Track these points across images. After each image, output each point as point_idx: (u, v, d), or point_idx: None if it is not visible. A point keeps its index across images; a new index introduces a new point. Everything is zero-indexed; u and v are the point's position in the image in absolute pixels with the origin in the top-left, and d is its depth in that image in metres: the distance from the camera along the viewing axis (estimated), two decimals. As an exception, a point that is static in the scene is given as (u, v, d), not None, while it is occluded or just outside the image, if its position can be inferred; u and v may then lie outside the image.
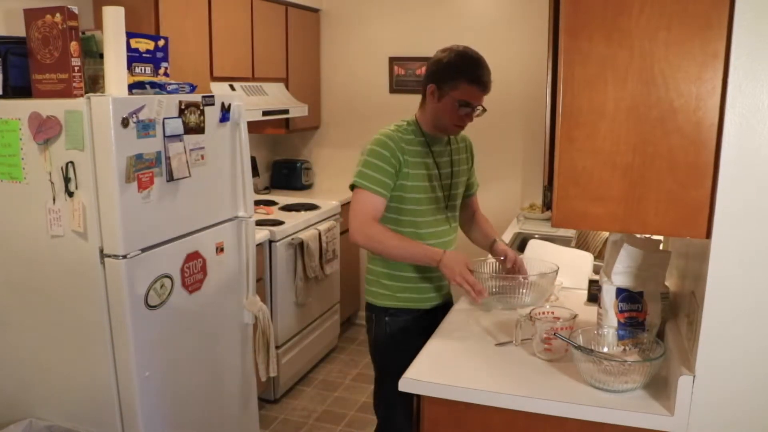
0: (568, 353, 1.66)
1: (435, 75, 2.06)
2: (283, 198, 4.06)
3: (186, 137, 2.24)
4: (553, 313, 1.78)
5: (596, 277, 1.96)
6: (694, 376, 1.37)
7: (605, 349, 1.63)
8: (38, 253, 2.12)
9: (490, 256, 2.24)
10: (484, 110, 2.08)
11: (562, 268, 2.17)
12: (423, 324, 2.16)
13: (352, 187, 2.05)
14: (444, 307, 2.26)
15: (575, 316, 1.73)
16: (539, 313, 1.77)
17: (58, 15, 2.03)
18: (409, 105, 2.40)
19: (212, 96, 2.39)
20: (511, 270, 2.12)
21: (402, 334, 2.15)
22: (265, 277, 3.23)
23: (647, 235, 1.81)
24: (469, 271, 1.91)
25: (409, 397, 1.66)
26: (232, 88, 3.36)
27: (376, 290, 2.18)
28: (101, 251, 2.05)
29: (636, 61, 1.31)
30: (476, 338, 1.84)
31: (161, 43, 2.37)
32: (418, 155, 2.09)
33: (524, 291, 2.02)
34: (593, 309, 1.84)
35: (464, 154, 2.29)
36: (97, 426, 2.18)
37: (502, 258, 2.15)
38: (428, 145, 2.12)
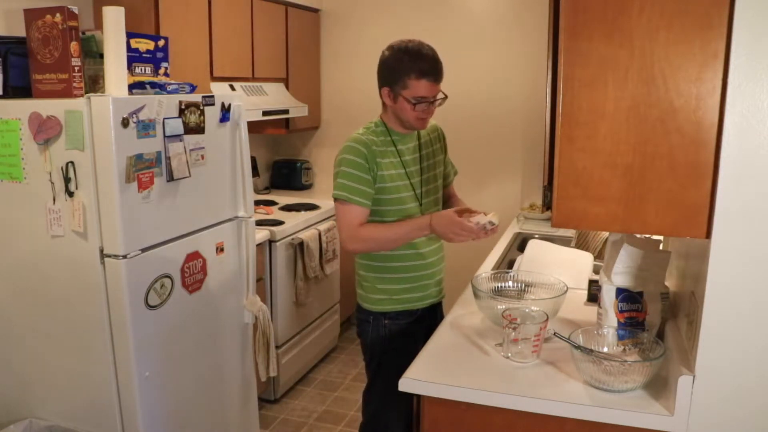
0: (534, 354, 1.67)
1: (385, 77, 2.02)
2: (283, 198, 4.06)
3: (186, 137, 2.23)
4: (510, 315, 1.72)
5: (596, 277, 1.95)
6: (694, 376, 1.37)
7: (605, 349, 1.63)
8: (38, 253, 2.12)
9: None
10: (446, 97, 2.03)
11: (562, 268, 2.17)
12: (422, 325, 2.15)
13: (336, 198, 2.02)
14: (440, 306, 2.26)
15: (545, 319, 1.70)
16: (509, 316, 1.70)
17: (58, 15, 2.03)
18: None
19: (212, 96, 2.38)
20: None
21: (401, 337, 2.14)
22: (265, 277, 3.23)
23: (647, 235, 1.81)
24: (459, 216, 1.89)
25: (401, 400, 1.65)
26: (232, 88, 3.36)
27: (373, 296, 2.15)
28: (101, 251, 2.05)
29: (636, 61, 1.31)
30: (476, 338, 1.84)
31: (161, 43, 2.37)
32: (390, 155, 2.07)
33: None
34: (593, 309, 1.84)
35: (437, 144, 2.24)
36: (97, 426, 2.18)
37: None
38: (395, 144, 2.08)
